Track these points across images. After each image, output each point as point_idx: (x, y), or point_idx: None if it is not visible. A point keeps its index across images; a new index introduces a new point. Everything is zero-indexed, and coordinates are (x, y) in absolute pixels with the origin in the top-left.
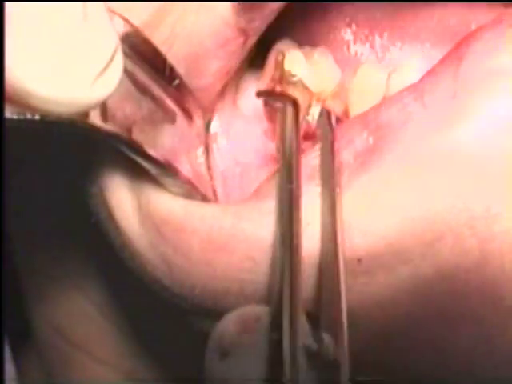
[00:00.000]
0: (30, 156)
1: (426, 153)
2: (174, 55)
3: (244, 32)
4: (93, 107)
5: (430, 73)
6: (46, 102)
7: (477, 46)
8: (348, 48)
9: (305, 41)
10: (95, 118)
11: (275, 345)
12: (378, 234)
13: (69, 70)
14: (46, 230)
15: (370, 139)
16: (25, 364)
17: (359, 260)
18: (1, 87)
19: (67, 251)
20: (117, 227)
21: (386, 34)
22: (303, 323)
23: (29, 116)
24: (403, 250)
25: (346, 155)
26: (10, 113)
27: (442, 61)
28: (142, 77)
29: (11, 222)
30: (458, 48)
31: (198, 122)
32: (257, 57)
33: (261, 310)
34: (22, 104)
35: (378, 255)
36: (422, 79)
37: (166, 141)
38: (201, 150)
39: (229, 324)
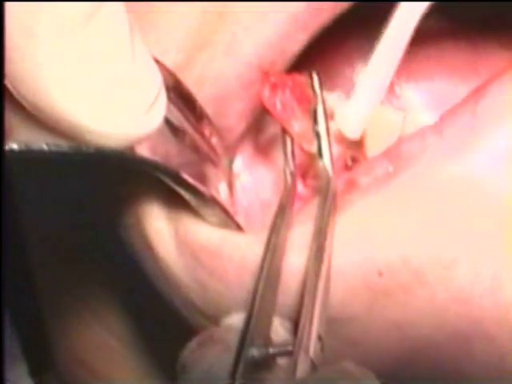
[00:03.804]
0: (57, 188)
1: (441, 178)
2: (203, 97)
3: (266, 74)
4: (140, 141)
5: (450, 112)
6: (99, 136)
7: (494, 87)
8: None
9: (323, 79)
10: (142, 151)
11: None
12: (396, 249)
13: (119, 106)
14: (69, 266)
15: (390, 168)
16: None
17: (379, 273)
18: (0, 88)
19: (90, 287)
20: (154, 254)
21: (402, 76)
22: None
23: (84, 149)
24: (421, 271)
25: (364, 179)
26: (66, 146)
27: (462, 102)
28: (175, 116)
29: (35, 258)
30: (477, 90)
31: (224, 161)
32: None
33: (217, 330)
34: (75, 138)
35: (396, 272)
36: (441, 117)
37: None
38: (224, 187)
39: (191, 342)
